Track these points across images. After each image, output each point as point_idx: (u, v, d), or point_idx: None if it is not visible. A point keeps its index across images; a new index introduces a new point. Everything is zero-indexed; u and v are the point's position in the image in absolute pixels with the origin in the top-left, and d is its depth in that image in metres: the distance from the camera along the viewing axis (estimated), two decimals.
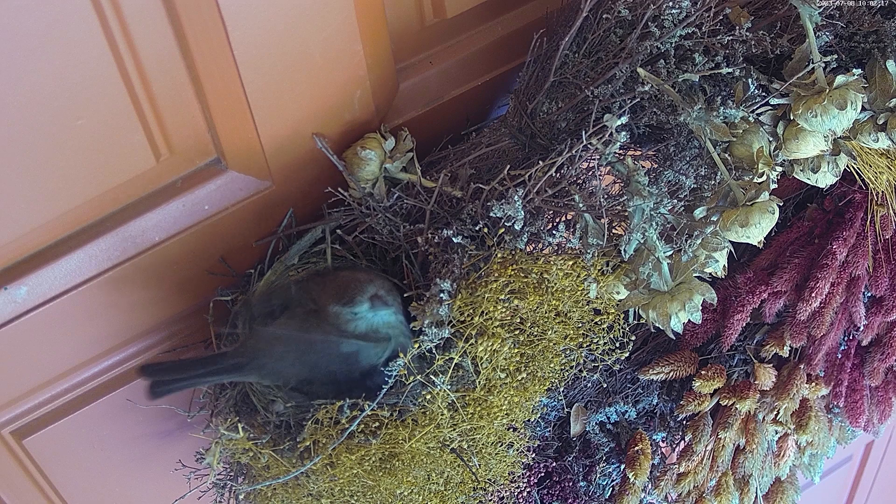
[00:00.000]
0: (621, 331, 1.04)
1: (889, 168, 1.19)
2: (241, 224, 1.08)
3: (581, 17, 1.03)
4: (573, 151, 0.99)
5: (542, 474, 1.35)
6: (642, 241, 0.99)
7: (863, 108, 1.05)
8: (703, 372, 1.35)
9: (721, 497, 1.41)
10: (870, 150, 1.16)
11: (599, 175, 1.04)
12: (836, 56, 1.03)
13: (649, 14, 1.01)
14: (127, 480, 1.27)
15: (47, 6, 0.79)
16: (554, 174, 1.00)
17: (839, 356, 1.41)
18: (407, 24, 1.07)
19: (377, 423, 1.01)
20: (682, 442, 1.41)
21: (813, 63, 1.01)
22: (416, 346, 0.97)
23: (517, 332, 1.01)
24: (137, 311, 1.08)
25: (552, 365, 1.05)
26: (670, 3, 1.00)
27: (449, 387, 1.00)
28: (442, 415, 1.01)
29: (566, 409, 1.34)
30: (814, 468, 1.51)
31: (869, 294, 1.36)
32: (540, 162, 1.01)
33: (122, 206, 1.01)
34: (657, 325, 1.04)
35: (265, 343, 1.02)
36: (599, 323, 1.04)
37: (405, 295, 1.02)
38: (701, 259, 1.02)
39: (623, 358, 1.06)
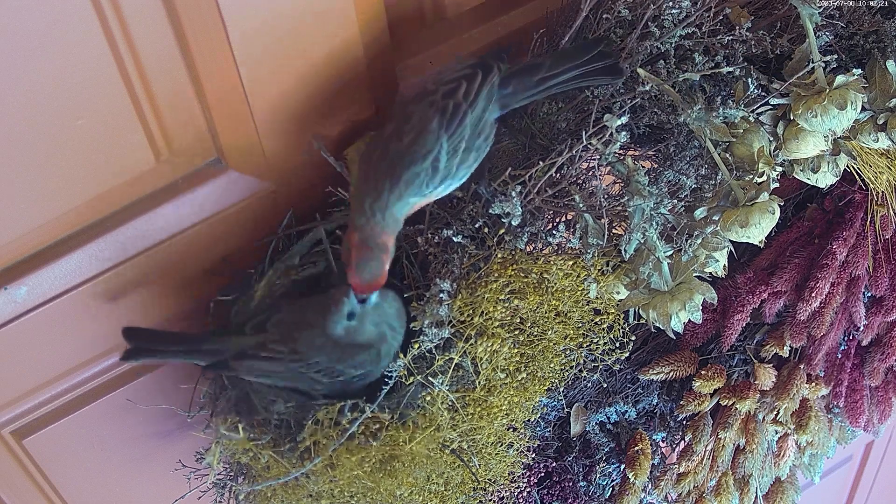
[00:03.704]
0: (621, 331, 1.04)
1: (889, 168, 1.19)
2: (241, 224, 1.08)
3: (581, 17, 1.03)
4: (573, 151, 0.99)
5: (542, 474, 1.35)
6: (642, 241, 0.99)
7: (863, 108, 1.05)
8: (703, 372, 1.35)
9: (721, 497, 1.41)
10: (870, 150, 1.16)
11: (599, 175, 1.04)
12: (836, 56, 1.03)
13: (649, 14, 1.01)
14: (127, 480, 1.27)
15: (47, 6, 0.79)
16: (554, 174, 1.00)
17: (839, 356, 1.41)
18: (407, 24, 1.07)
19: (378, 426, 1.01)
20: (682, 442, 1.41)
21: (813, 63, 1.01)
22: (416, 346, 0.97)
23: (517, 333, 1.01)
24: (138, 311, 1.08)
25: (552, 365, 1.05)
26: (670, 3, 1.00)
27: (449, 387, 1.00)
28: (442, 416, 1.01)
29: (566, 409, 1.34)
30: (814, 468, 1.51)
31: (869, 294, 1.36)
32: (540, 162, 1.01)
33: (122, 206, 1.01)
34: (657, 324, 1.04)
35: (246, 349, 1.03)
36: (599, 323, 1.04)
37: (405, 295, 1.02)
38: (701, 259, 1.02)
39: (623, 358, 1.06)
